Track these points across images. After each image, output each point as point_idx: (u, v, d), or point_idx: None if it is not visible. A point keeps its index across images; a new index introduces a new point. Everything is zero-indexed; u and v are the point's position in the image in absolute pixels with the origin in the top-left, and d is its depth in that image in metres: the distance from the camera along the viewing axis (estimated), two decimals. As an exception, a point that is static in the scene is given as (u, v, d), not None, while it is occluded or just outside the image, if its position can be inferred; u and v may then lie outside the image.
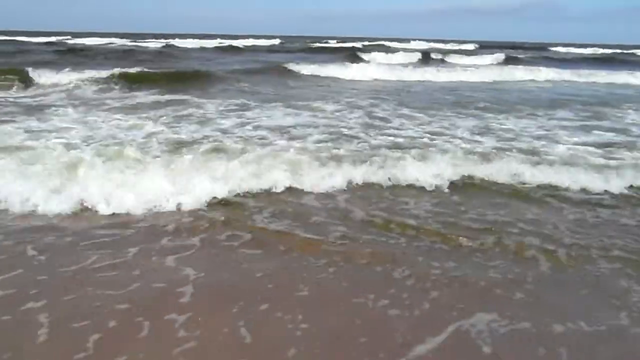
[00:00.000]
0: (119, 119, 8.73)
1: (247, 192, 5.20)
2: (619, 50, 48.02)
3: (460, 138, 8.07)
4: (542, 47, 59.60)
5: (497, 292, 3.46)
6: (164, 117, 9.03)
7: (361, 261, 3.87)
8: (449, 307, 3.23)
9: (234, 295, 3.31)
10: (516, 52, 38.53)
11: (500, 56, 31.79)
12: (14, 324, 2.94)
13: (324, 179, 5.60)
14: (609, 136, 8.64)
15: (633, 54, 41.74)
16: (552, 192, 5.63)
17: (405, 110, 10.75)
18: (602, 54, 41.93)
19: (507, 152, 6.99)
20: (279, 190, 5.32)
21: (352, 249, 4.07)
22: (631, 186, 5.83)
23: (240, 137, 7.52)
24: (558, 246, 4.22)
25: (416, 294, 3.40)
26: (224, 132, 7.93)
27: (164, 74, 14.64)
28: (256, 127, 8.40)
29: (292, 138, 7.58)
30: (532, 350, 2.86)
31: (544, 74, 20.60)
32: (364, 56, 29.74)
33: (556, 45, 66.53)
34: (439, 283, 3.56)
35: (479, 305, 3.27)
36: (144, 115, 9.28)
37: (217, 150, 6.53)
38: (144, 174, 5.25)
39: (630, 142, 8.18)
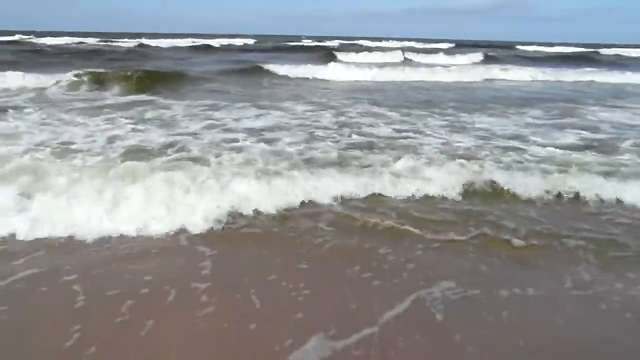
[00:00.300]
0: (82, 122, 8.28)
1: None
2: (584, 49, 48.70)
3: (436, 137, 7.90)
4: (510, 45, 60.10)
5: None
6: (129, 120, 8.61)
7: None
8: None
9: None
10: (487, 51, 38.66)
11: (477, 55, 31.77)
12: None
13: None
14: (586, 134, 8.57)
15: (597, 52, 42.35)
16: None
17: (378, 109, 10.55)
18: (572, 52, 42.42)
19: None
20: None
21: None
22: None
23: (208, 143, 7.07)
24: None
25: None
26: (190, 135, 7.51)
27: (132, 74, 14.08)
28: (226, 130, 8.02)
29: (264, 141, 7.23)
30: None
31: (519, 72, 20.60)
32: (340, 56, 29.36)
33: (525, 44, 67.33)
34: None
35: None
36: (109, 117, 8.85)
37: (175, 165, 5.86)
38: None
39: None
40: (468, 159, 6.39)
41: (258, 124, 8.65)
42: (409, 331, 3.03)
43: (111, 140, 6.99)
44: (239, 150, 6.54)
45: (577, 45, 63.86)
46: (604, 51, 44.15)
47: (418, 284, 3.57)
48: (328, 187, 5.21)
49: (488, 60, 30.22)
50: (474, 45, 51.00)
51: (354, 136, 7.85)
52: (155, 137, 7.32)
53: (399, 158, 6.26)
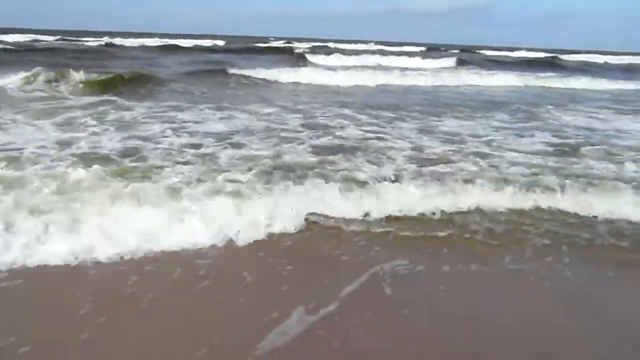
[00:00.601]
0: (36, 124, 7.74)
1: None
2: (544, 54, 49.36)
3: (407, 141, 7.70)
4: (470, 49, 60.60)
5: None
6: (87, 122, 8.11)
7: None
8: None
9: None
10: (458, 55, 38.87)
11: (451, 59, 31.86)
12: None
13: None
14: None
15: (557, 57, 43.08)
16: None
17: (348, 112, 10.30)
18: (534, 57, 43.05)
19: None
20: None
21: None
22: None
23: (168, 148, 6.63)
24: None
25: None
26: (149, 140, 7.00)
27: (95, 73, 13.48)
28: (190, 134, 7.51)
29: (231, 145, 6.85)
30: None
31: (490, 77, 20.62)
32: (310, 58, 28.92)
33: (485, 48, 68.02)
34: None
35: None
36: (65, 118, 8.33)
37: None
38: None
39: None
40: (440, 163, 6.27)
41: (222, 127, 8.24)
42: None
43: (63, 144, 6.50)
44: (207, 158, 6.17)
45: (538, 50, 64.94)
46: (565, 57, 44.96)
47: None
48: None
49: (461, 64, 30.29)
50: (433, 49, 51.42)
51: (325, 139, 7.61)
52: (111, 141, 6.84)
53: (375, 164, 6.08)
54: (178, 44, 39.84)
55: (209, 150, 6.55)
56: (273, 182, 5.19)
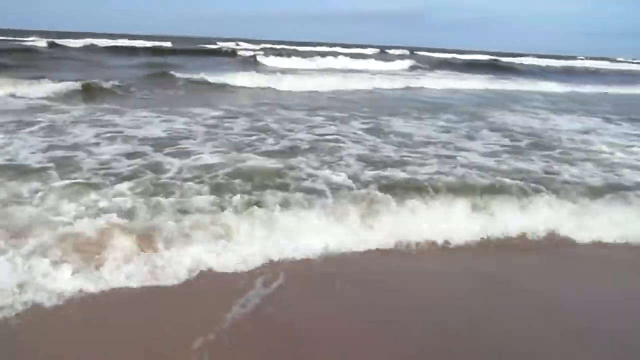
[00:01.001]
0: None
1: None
2: (477, 57, 49.82)
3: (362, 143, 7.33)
4: (412, 50, 61.27)
5: None
6: (9, 126, 7.30)
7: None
8: None
9: None
10: (408, 57, 38.88)
11: (406, 62, 31.87)
12: None
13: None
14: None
15: (497, 60, 43.96)
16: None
17: (300, 115, 9.86)
18: (474, 59, 43.81)
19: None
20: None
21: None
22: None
23: (99, 159, 5.90)
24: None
25: None
26: (82, 150, 6.23)
27: (30, 76, 12.43)
28: (124, 140, 6.83)
29: (173, 154, 6.23)
30: None
31: (438, 80, 20.57)
32: (261, 59, 27.94)
33: (420, 49, 68.73)
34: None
35: None
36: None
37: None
38: None
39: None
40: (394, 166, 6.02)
41: (163, 132, 7.60)
42: None
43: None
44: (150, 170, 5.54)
45: (477, 53, 66.21)
46: (504, 59, 46.03)
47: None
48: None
49: (414, 67, 30.27)
50: (383, 52, 51.62)
51: (270, 142, 7.16)
52: (31, 149, 6.10)
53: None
54: (124, 44, 38.17)
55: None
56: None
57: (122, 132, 7.37)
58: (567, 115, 12.35)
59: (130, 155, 6.00)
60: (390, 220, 4.43)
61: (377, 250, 4.12)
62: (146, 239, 3.72)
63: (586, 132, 9.68)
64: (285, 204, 4.50)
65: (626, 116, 12.43)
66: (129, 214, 4.13)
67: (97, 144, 6.53)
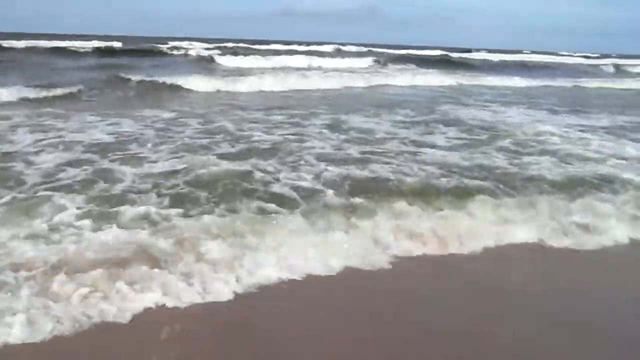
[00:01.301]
0: None
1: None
2: (430, 52, 50.35)
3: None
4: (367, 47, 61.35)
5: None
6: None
7: None
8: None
9: None
10: (370, 55, 38.67)
11: (367, 59, 31.55)
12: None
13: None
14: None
15: (448, 55, 44.52)
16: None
17: (256, 115, 9.54)
18: (429, 55, 44.35)
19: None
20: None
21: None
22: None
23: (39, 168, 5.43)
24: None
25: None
26: (22, 160, 5.67)
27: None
28: (67, 147, 6.32)
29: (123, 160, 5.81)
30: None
31: (399, 77, 20.46)
32: (219, 60, 27.02)
33: (375, 46, 68.81)
34: None
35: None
36: None
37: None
38: None
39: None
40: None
41: (111, 137, 7.14)
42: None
43: None
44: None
45: (429, 48, 66.76)
46: (455, 55, 46.73)
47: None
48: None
49: (374, 63, 30.02)
50: (339, 49, 51.44)
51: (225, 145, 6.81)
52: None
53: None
54: (71, 45, 36.41)
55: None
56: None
57: (64, 137, 6.84)
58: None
59: (75, 163, 5.54)
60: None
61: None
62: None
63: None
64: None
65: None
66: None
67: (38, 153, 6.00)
